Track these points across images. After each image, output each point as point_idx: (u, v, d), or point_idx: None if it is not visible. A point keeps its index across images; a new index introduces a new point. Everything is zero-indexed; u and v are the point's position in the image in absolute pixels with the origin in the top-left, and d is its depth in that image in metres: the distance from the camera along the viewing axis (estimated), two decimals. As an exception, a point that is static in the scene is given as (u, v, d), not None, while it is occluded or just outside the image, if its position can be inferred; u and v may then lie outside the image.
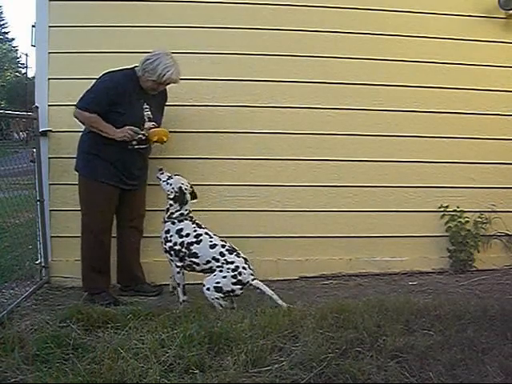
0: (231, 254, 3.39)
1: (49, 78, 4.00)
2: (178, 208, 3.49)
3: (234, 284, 3.30)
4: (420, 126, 4.32)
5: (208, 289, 3.29)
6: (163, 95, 3.79)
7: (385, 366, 2.48)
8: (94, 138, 3.59)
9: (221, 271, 3.33)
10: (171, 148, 4.10)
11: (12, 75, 39.64)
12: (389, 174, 4.31)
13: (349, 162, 4.26)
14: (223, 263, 3.34)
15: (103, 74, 3.59)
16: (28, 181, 4.31)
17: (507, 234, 4.42)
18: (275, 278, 4.11)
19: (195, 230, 3.46)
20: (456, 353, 2.59)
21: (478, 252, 4.37)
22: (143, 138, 3.58)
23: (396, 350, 2.62)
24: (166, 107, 3.97)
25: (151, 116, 3.65)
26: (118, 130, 3.51)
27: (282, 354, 2.60)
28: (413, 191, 4.34)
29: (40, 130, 3.94)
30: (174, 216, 3.49)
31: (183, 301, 3.46)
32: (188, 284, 3.54)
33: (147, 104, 3.64)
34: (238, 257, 3.39)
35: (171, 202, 3.50)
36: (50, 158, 3.97)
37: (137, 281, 3.89)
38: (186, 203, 3.51)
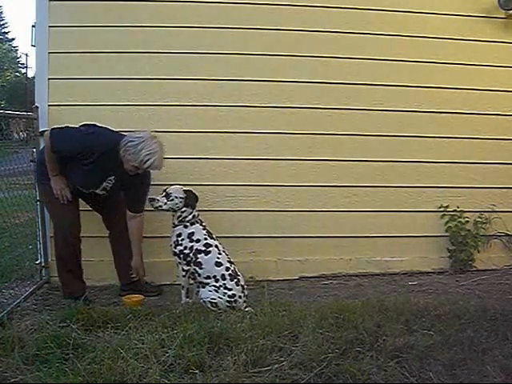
0: (232, 280, 3.36)
1: (49, 78, 4.00)
2: (191, 210, 3.48)
3: (227, 307, 3.30)
4: (420, 126, 4.32)
5: (204, 302, 3.30)
6: (142, 178, 3.54)
7: (385, 366, 2.49)
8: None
9: (217, 291, 3.32)
10: (172, 148, 4.09)
11: (12, 75, 39.58)
12: (389, 174, 4.31)
13: (349, 162, 4.26)
14: (221, 286, 3.33)
15: (93, 131, 3.45)
16: (28, 181, 4.30)
17: (507, 234, 4.42)
18: (275, 278, 4.12)
19: (206, 239, 3.44)
20: (456, 353, 2.59)
21: (478, 252, 4.37)
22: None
23: (396, 350, 2.62)
24: (165, 107, 3.99)
25: (108, 188, 3.54)
26: (58, 184, 3.47)
27: (282, 354, 2.60)
28: (413, 191, 4.34)
29: (40, 130, 3.93)
30: (187, 219, 3.47)
31: (185, 303, 3.45)
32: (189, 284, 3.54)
33: (114, 178, 3.51)
34: (237, 285, 3.36)
35: (184, 208, 3.47)
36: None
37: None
38: (197, 200, 3.52)
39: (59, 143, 3.39)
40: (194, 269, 3.41)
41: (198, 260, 3.40)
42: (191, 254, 3.41)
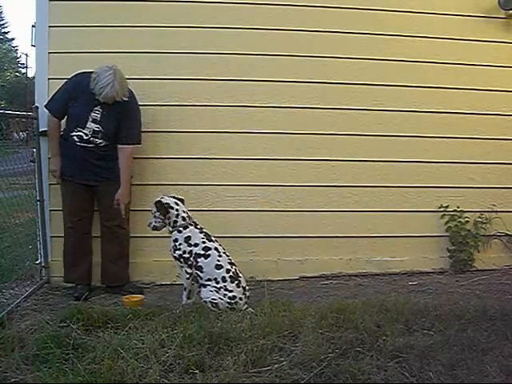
0: (233, 282, 3.34)
1: (49, 78, 4.00)
2: (175, 214, 3.44)
3: (227, 307, 3.29)
4: (420, 126, 4.32)
5: (205, 301, 3.30)
6: (124, 105, 3.69)
7: (385, 366, 2.49)
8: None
9: (217, 292, 3.31)
10: (171, 148, 4.10)
11: (12, 75, 39.56)
12: (389, 174, 4.31)
13: (349, 162, 4.26)
14: (221, 288, 3.32)
15: (75, 74, 3.78)
16: (28, 181, 4.30)
17: (507, 234, 4.42)
18: (275, 278, 4.11)
19: (204, 242, 3.42)
20: (456, 353, 2.59)
21: (478, 252, 4.37)
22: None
23: (396, 350, 2.62)
24: (165, 107, 3.98)
25: (98, 119, 3.68)
26: (53, 165, 3.81)
27: (282, 354, 2.60)
28: (413, 191, 4.34)
29: (40, 130, 3.94)
30: (178, 224, 3.45)
31: (185, 304, 3.45)
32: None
33: (101, 107, 3.68)
34: (238, 287, 3.35)
35: (162, 217, 3.47)
36: (49, 157, 3.97)
37: (113, 280, 3.88)
38: (168, 207, 3.45)
39: (51, 102, 3.78)
40: (196, 272, 3.41)
41: (199, 264, 3.38)
42: (191, 258, 3.40)
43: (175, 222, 3.46)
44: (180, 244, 3.43)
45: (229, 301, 3.29)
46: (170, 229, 3.49)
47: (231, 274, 3.37)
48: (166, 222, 3.48)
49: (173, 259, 3.48)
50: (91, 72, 3.66)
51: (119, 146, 3.74)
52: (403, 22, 4.27)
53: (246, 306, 3.36)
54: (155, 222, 3.49)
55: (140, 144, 3.83)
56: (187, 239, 3.43)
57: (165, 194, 3.58)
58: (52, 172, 3.84)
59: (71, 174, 3.77)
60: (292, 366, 2.48)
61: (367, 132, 4.26)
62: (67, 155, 3.76)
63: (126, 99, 3.67)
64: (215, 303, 3.27)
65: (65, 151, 3.78)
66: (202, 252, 3.39)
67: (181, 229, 3.45)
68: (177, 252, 3.43)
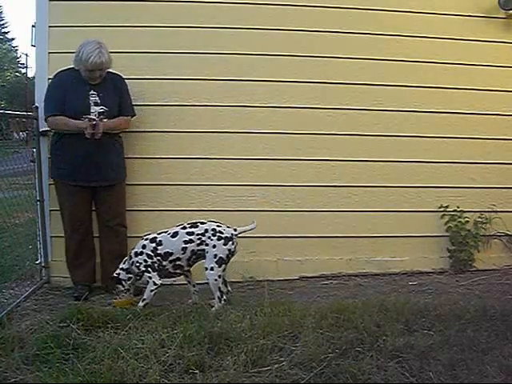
0: (197, 227, 3.37)
1: (49, 78, 3.99)
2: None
3: (224, 245, 3.29)
4: (420, 126, 4.31)
5: (212, 268, 3.27)
6: (115, 82, 3.80)
7: (385, 366, 2.49)
8: (56, 138, 3.79)
9: (207, 245, 3.30)
10: (171, 148, 4.10)
11: (12, 75, 39.56)
12: (389, 174, 4.31)
13: (349, 162, 4.26)
14: (200, 238, 3.32)
15: (54, 75, 3.81)
16: (28, 181, 4.31)
17: (507, 234, 4.42)
18: (275, 278, 4.11)
19: (146, 239, 3.42)
20: (456, 353, 2.59)
21: (478, 252, 4.36)
22: (93, 122, 3.62)
23: (396, 350, 2.62)
24: (165, 107, 3.99)
25: (99, 101, 3.70)
26: (82, 124, 3.63)
27: (282, 354, 2.60)
28: (413, 191, 4.33)
29: (40, 130, 3.94)
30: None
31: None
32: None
33: (94, 91, 3.70)
34: (204, 223, 3.38)
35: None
36: (49, 157, 3.97)
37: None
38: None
39: (49, 107, 3.71)
40: (171, 261, 3.37)
41: (165, 251, 3.35)
42: (155, 259, 3.37)
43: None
44: (138, 262, 3.38)
45: (216, 238, 3.30)
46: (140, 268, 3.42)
47: (187, 226, 3.39)
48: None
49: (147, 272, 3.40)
50: (69, 68, 3.71)
51: (125, 117, 3.84)
52: (403, 22, 4.27)
53: (231, 229, 3.40)
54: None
55: (135, 115, 3.91)
56: (136, 254, 3.41)
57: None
58: (86, 125, 3.60)
59: (72, 176, 3.71)
60: (292, 365, 2.48)
61: (367, 132, 4.26)
62: (69, 155, 3.71)
63: (118, 75, 3.79)
64: (219, 259, 3.26)
65: (66, 150, 3.72)
66: (154, 245, 3.37)
67: (131, 255, 3.44)
68: (140, 267, 3.37)
